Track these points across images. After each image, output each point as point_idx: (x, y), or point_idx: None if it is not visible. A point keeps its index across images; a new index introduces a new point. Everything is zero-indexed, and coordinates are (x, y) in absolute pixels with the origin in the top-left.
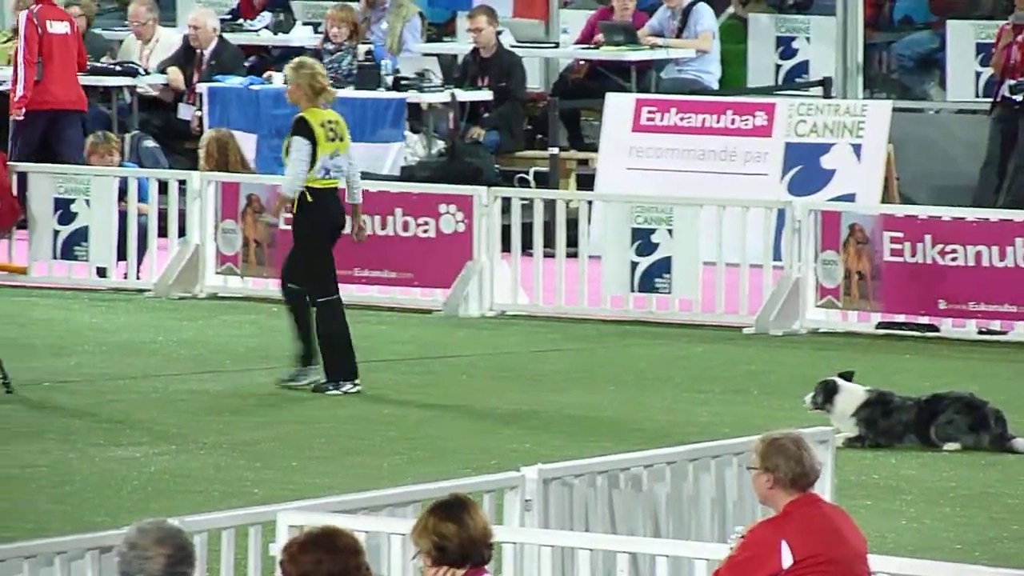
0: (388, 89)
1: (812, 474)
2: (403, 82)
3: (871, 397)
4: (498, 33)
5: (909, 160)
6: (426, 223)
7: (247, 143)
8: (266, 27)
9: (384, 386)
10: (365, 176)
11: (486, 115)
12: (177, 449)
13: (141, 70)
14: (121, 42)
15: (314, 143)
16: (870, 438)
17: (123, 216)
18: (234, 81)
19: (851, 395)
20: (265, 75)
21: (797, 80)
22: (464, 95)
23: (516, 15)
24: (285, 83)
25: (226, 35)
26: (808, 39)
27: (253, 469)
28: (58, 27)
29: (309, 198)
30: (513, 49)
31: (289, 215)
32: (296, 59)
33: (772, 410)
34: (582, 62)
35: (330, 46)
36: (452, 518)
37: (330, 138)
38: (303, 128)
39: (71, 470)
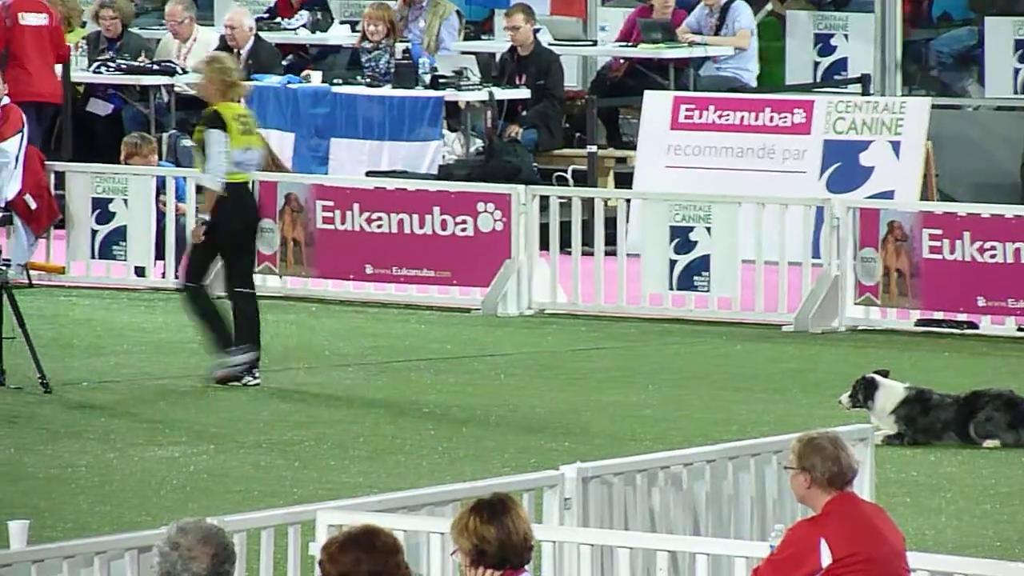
0: (426, 87)
1: (849, 473)
2: (441, 80)
3: (910, 395)
4: (536, 31)
5: (948, 157)
6: (464, 222)
7: (285, 142)
8: (303, 26)
9: (423, 385)
10: (403, 174)
11: (524, 113)
12: (216, 449)
13: (179, 69)
14: (159, 41)
15: (227, 137)
16: (909, 435)
17: (160, 214)
18: (272, 80)
19: (891, 392)
20: (303, 74)
21: (835, 77)
22: (502, 93)
23: (554, 12)
24: (198, 78)
25: (263, 34)
26: (846, 36)
27: (292, 468)
28: (32, 19)
29: (222, 194)
30: (551, 47)
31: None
32: (209, 54)
33: (811, 408)
34: (621, 60)
35: (367, 44)
36: (493, 521)
37: (243, 131)
38: (217, 121)
39: (110, 470)
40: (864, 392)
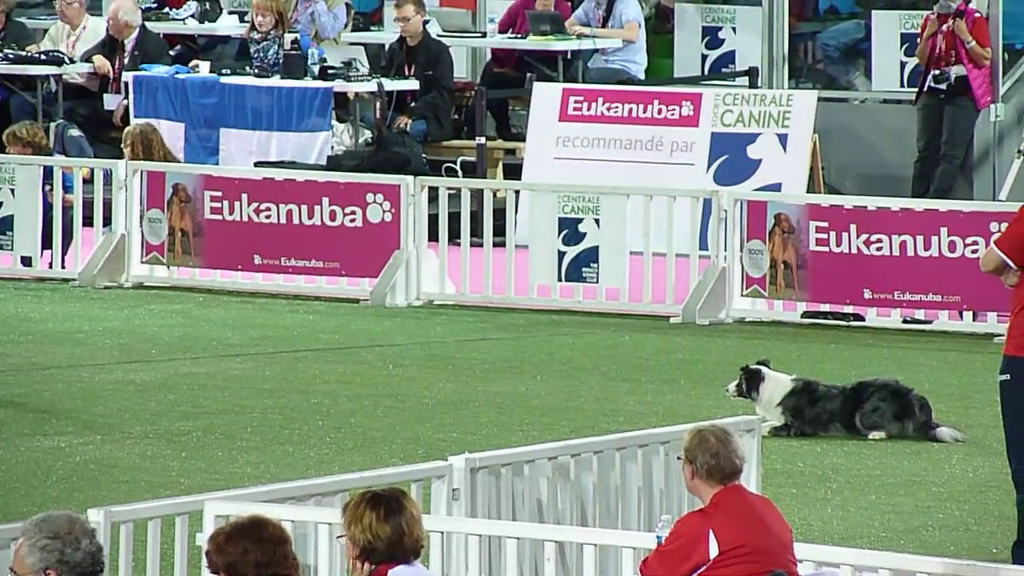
0: (314, 78)
1: (728, 467)
2: (329, 71)
3: (797, 386)
4: (425, 22)
5: (834, 150)
6: (353, 213)
7: (175, 132)
8: (191, 16)
9: (311, 376)
10: (292, 165)
11: (413, 104)
12: (103, 439)
13: (66, 59)
14: (46, 31)
15: None
16: (796, 427)
17: (47, 204)
18: (160, 70)
19: (777, 384)
20: (191, 64)
21: (723, 70)
22: (391, 84)
23: (443, 4)
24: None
25: (152, 24)
26: (734, 29)
27: (180, 459)
28: None
29: None
30: (440, 38)
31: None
32: None
33: (700, 399)
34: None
35: (256, 35)
36: (389, 520)
37: None
38: None
39: None
40: (750, 383)
